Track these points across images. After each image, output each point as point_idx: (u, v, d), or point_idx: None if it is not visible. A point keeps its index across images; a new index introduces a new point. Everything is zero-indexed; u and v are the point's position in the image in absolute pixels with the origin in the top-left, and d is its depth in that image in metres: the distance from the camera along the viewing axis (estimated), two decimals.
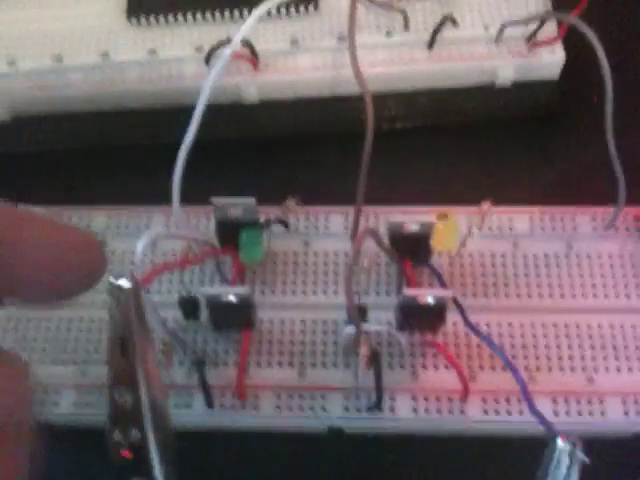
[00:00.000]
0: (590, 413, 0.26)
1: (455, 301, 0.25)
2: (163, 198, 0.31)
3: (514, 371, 0.23)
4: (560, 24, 0.31)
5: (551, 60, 0.31)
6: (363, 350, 0.25)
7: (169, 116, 0.32)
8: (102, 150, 0.33)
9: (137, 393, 0.21)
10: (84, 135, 0.33)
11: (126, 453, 0.22)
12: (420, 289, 0.25)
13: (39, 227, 0.18)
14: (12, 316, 0.29)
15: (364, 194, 0.28)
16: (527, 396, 0.22)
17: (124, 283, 0.21)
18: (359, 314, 0.25)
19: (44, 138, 0.33)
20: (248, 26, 0.26)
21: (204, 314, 0.28)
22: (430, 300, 0.24)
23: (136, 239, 0.30)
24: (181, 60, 0.32)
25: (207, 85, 0.25)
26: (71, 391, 0.28)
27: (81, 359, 0.28)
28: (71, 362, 0.28)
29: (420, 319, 0.26)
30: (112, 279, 0.21)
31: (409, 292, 0.24)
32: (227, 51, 0.26)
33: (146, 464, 0.21)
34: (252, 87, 0.32)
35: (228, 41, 0.31)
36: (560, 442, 0.20)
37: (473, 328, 0.25)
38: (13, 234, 0.18)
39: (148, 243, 0.24)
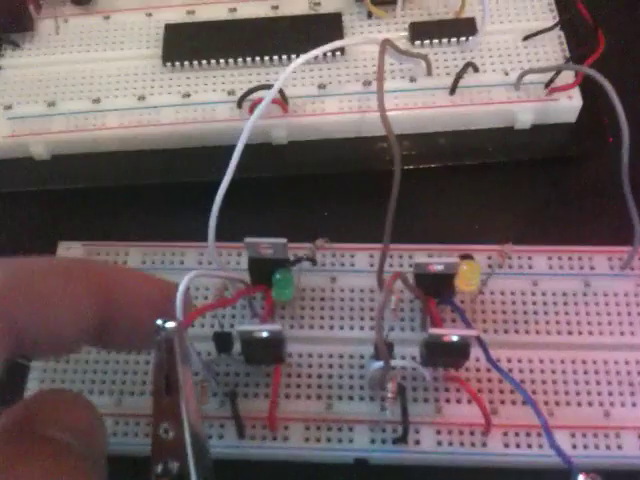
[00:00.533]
0: (607, 447, 0.27)
1: (478, 339, 0.26)
2: (194, 234, 0.33)
3: (535, 407, 0.24)
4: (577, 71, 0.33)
5: (569, 105, 0.33)
6: (391, 386, 0.26)
7: (201, 156, 0.34)
8: (136, 188, 0.35)
9: (180, 428, 0.22)
10: (120, 173, 0.35)
11: None
12: (446, 329, 0.26)
13: (141, 284, 0.21)
14: None
15: (386, 232, 0.29)
16: (548, 432, 0.23)
17: (169, 325, 0.22)
18: (391, 351, 0.26)
19: (82, 176, 0.34)
20: (286, 75, 0.28)
21: (235, 348, 0.29)
22: (455, 339, 0.25)
23: (170, 274, 0.32)
24: (214, 103, 0.34)
25: (247, 129, 0.27)
26: (107, 420, 0.29)
27: (117, 389, 0.30)
28: (107, 392, 0.30)
29: (445, 356, 0.27)
30: (159, 321, 0.22)
31: (435, 332, 0.25)
32: (268, 98, 0.27)
33: None
34: (282, 129, 0.34)
35: (260, 87, 0.33)
36: (582, 479, 0.21)
37: (495, 365, 0.26)
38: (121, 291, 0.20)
39: (188, 285, 0.25)
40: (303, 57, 0.28)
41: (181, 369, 0.22)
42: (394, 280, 0.25)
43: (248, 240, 0.28)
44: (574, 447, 0.27)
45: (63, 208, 0.35)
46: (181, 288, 0.25)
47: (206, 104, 0.34)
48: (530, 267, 0.31)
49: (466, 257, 0.30)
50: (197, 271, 0.26)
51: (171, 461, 0.23)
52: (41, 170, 0.35)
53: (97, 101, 0.34)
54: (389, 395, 0.26)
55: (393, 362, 0.26)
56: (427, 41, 0.35)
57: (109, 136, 0.34)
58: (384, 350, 0.25)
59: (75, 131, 0.34)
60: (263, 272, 0.29)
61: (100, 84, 0.35)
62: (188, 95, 0.34)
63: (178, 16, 0.37)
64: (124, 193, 0.35)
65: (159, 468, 0.23)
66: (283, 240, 0.28)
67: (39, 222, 0.35)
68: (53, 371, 0.30)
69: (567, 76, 0.33)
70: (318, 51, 0.28)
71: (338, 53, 0.34)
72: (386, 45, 0.29)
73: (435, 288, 0.28)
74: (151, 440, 0.23)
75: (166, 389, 0.23)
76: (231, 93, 0.34)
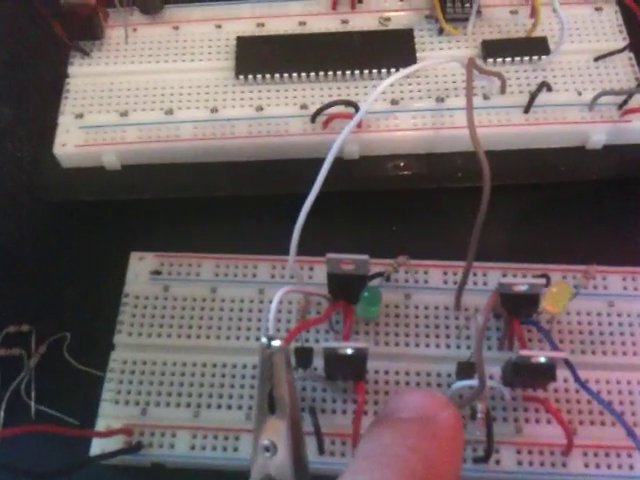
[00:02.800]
0: None
1: (566, 361, 0.26)
2: (264, 247, 0.33)
3: (629, 429, 0.24)
4: None
5: None
6: (481, 407, 0.26)
7: (274, 170, 0.34)
8: (208, 200, 0.35)
9: (282, 447, 0.22)
10: (191, 185, 0.35)
11: None
12: (534, 351, 0.26)
13: None
14: (128, 358, 0.31)
15: (470, 250, 0.29)
16: None
17: (275, 343, 0.22)
18: (474, 371, 0.26)
19: (153, 187, 0.35)
20: (374, 98, 0.28)
21: (315, 363, 0.29)
22: (544, 361, 0.25)
23: (243, 287, 0.32)
24: (287, 117, 0.34)
25: (337, 145, 0.27)
26: (186, 433, 0.29)
27: (194, 402, 0.30)
28: (184, 405, 0.30)
29: (531, 378, 0.27)
30: (265, 340, 0.22)
31: (525, 353, 0.25)
32: (357, 118, 0.28)
33: None
34: (354, 144, 0.34)
35: (335, 103, 0.33)
36: None
37: (585, 387, 0.26)
38: None
39: (280, 302, 0.25)
40: (394, 76, 0.28)
41: (286, 387, 0.22)
42: (495, 301, 0.25)
43: (330, 256, 0.28)
44: None
45: (135, 218, 0.35)
46: (274, 304, 0.25)
47: (279, 118, 0.34)
48: (605, 288, 0.31)
49: (542, 277, 0.30)
50: (289, 287, 0.26)
51: (269, 478, 0.23)
52: (113, 180, 0.35)
53: (170, 112, 0.35)
54: (479, 415, 0.26)
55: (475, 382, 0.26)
56: (500, 59, 0.35)
57: (182, 148, 0.34)
58: (483, 371, 0.25)
59: (148, 142, 0.34)
60: (341, 287, 0.29)
61: (172, 95, 0.35)
62: (261, 108, 0.34)
63: (248, 28, 0.37)
64: (195, 204, 0.35)
65: None
66: (365, 257, 0.28)
67: (111, 232, 0.35)
68: (129, 383, 0.30)
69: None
70: (409, 70, 0.29)
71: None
72: (472, 65, 0.29)
73: (517, 308, 0.28)
74: (251, 456, 0.23)
75: (270, 407, 0.23)
76: (304, 107, 0.34)
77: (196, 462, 0.29)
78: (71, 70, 0.37)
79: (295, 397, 0.23)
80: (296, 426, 0.23)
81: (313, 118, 0.34)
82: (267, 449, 0.23)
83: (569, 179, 0.34)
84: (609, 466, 0.28)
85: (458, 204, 0.34)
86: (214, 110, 0.34)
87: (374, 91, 0.28)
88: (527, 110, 0.33)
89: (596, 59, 0.35)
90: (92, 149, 0.34)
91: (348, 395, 0.29)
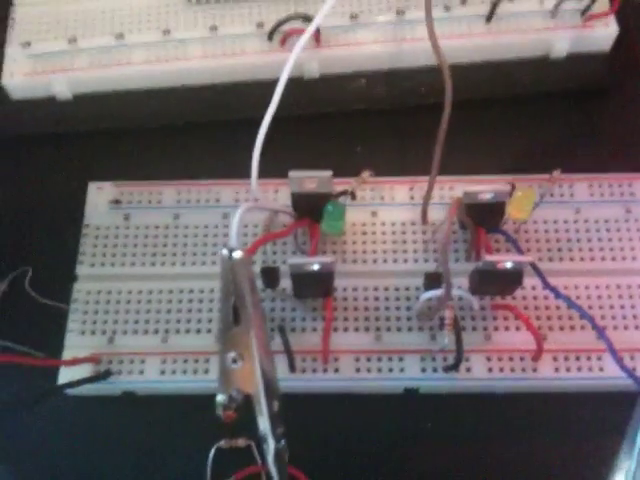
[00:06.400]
0: None
1: (533, 266, 0.26)
2: (225, 172, 0.32)
3: (600, 331, 0.24)
4: None
5: (604, 32, 0.33)
6: (448, 314, 0.26)
7: (230, 92, 0.33)
8: (164, 127, 0.34)
9: (249, 357, 0.22)
10: (146, 113, 0.34)
11: (231, 414, 0.23)
12: (500, 255, 0.26)
13: None
14: (91, 289, 0.30)
15: (433, 164, 0.28)
16: (614, 354, 0.24)
17: (237, 254, 0.22)
18: (441, 281, 0.26)
19: (106, 116, 0.34)
20: (328, 6, 0.27)
21: (282, 283, 0.29)
22: (509, 266, 0.25)
23: (207, 213, 0.31)
24: (242, 36, 0.33)
25: (290, 63, 0.26)
26: (155, 359, 0.29)
27: (163, 328, 0.29)
28: (152, 331, 0.29)
29: (497, 284, 0.27)
30: (225, 251, 0.22)
31: (490, 259, 0.25)
32: (308, 32, 0.26)
33: (256, 425, 0.23)
34: (314, 62, 0.33)
35: (291, 18, 0.32)
36: None
37: (554, 291, 0.26)
38: None
39: (243, 216, 0.24)
40: None
41: (250, 298, 0.22)
42: (458, 207, 0.24)
43: (292, 174, 0.28)
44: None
45: (90, 149, 0.34)
46: (237, 217, 0.25)
47: (234, 37, 0.33)
48: (571, 195, 0.31)
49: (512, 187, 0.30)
50: (250, 202, 0.25)
51: (237, 391, 0.23)
52: (65, 111, 0.34)
53: (120, 36, 0.33)
54: (447, 322, 0.26)
55: (442, 291, 0.26)
56: None
57: (135, 72, 0.33)
58: (449, 275, 0.24)
59: (99, 67, 0.33)
60: (306, 206, 0.29)
61: (122, 18, 0.34)
62: (215, 28, 0.33)
63: None
64: (153, 132, 0.34)
65: (225, 398, 0.23)
66: (328, 172, 0.28)
67: (66, 164, 0.34)
68: (94, 313, 0.30)
69: (602, 4, 0.33)
70: None
71: None
72: None
73: (484, 217, 0.28)
74: (218, 370, 0.23)
75: (234, 318, 0.22)
76: (260, 25, 0.33)
77: (167, 387, 0.29)
78: None
79: (260, 307, 0.22)
80: (262, 336, 0.22)
81: (270, 35, 0.32)
82: (234, 360, 0.22)
83: (533, 91, 0.33)
84: (579, 369, 0.28)
85: (422, 120, 0.33)
86: (166, 32, 0.33)
87: (325, 2, 0.27)
88: (489, 20, 0.32)
89: None
90: (41, 78, 0.33)
91: (317, 313, 0.29)
